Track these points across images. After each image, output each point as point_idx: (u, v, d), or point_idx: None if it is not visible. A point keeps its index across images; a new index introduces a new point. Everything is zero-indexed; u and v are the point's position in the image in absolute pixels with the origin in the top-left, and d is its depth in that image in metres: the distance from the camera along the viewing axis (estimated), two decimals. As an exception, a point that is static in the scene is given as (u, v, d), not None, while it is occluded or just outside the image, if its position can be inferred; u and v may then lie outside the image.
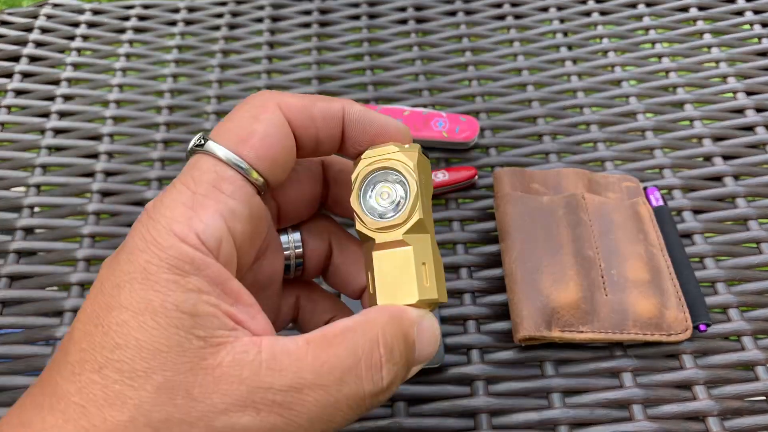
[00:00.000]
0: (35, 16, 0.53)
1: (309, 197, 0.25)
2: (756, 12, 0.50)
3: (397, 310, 0.20)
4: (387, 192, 0.22)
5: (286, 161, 0.21)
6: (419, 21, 0.52)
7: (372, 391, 0.19)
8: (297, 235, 0.25)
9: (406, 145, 0.23)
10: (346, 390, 0.18)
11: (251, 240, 0.20)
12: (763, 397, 0.33)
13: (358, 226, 0.22)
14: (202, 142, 0.20)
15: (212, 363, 0.17)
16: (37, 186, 0.43)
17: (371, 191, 0.22)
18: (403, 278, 0.21)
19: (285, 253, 0.24)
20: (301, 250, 0.25)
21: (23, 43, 0.51)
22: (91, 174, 0.43)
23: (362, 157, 0.22)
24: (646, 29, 0.50)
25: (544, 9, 0.52)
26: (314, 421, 0.18)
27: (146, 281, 0.17)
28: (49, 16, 0.53)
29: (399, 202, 0.22)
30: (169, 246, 0.18)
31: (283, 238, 0.25)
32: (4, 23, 0.52)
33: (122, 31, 0.52)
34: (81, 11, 0.53)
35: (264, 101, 0.20)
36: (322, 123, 0.21)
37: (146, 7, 0.54)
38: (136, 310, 0.17)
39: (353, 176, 0.22)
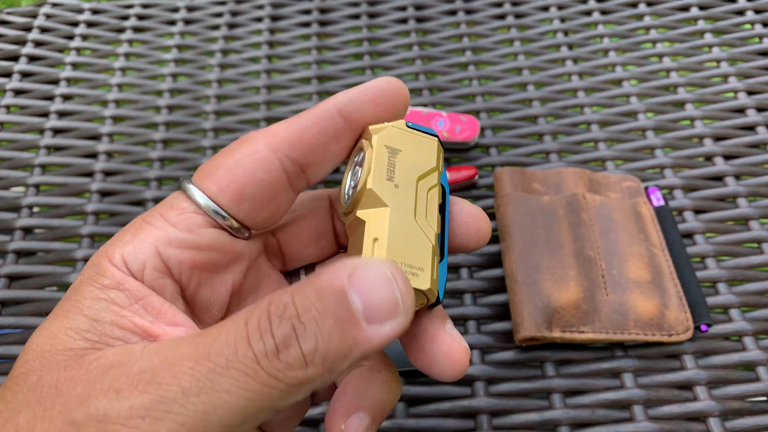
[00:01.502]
0: (34, 16, 0.53)
1: (314, 233, 0.22)
2: (757, 11, 0.50)
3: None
4: (358, 171, 0.19)
5: (259, 194, 0.19)
6: (419, 20, 0.52)
7: (263, 351, 0.15)
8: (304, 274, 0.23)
9: (409, 123, 0.20)
10: (227, 352, 0.15)
11: (206, 270, 0.19)
12: (765, 398, 0.33)
13: (341, 216, 0.20)
14: (182, 181, 0.19)
15: (90, 359, 0.16)
16: (36, 186, 0.43)
17: (350, 174, 0.20)
18: (358, 250, 0.18)
19: None
20: None
21: (22, 42, 0.51)
22: (90, 174, 0.43)
23: (362, 137, 0.20)
24: (647, 29, 0.50)
25: (545, 8, 0.52)
26: (189, 392, 0.14)
27: (73, 295, 0.18)
28: (48, 16, 0.52)
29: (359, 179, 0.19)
30: (97, 264, 0.18)
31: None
32: (4, 23, 0.52)
33: (121, 30, 0.52)
34: (80, 11, 0.53)
35: (246, 138, 0.19)
36: (313, 139, 0.20)
37: (145, 6, 0.53)
38: (53, 317, 0.17)
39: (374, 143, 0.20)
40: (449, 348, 0.18)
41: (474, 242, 0.21)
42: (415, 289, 0.18)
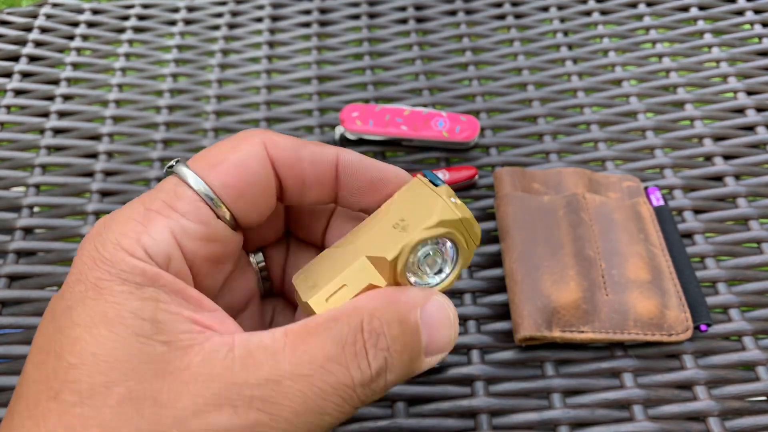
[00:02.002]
0: (35, 16, 0.53)
1: (275, 226, 0.23)
2: (756, 12, 0.50)
3: (393, 292, 0.18)
4: (436, 261, 0.20)
5: (257, 196, 0.19)
6: (419, 20, 0.52)
7: (360, 380, 0.17)
8: (260, 255, 0.24)
9: (453, 199, 0.20)
10: (331, 379, 0.16)
11: (212, 262, 0.19)
12: (764, 398, 0.33)
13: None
14: (175, 164, 0.19)
15: (179, 365, 0.16)
16: (37, 186, 0.43)
17: (421, 257, 0.20)
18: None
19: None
20: (263, 263, 0.24)
21: (23, 42, 0.51)
22: (90, 174, 0.43)
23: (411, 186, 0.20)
24: (647, 29, 0.50)
25: (545, 8, 0.52)
26: (300, 414, 0.16)
27: (99, 296, 0.16)
28: (48, 16, 0.53)
29: (441, 269, 0.20)
30: (119, 260, 0.17)
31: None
32: (4, 23, 0.52)
33: (122, 30, 0.52)
34: (80, 11, 0.53)
35: (249, 135, 0.19)
36: (310, 166, 0.20)
37: (146, 6, 0.54)
38: (89, 324, 0.16)
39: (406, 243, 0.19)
40: None
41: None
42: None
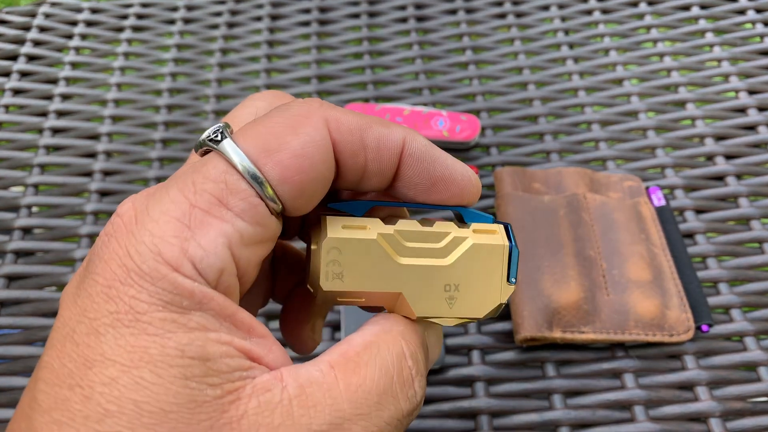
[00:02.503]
0: (33, 15, 0.52)
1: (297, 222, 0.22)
2: (758, 11, 0.50)
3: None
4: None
5: (315, 192, 0.16)
6: (419, 19, 0.52)
7: (409, 410, 0.17)
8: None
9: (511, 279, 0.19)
10: (386, 414, 0.16)
11: (256, 267, 0.16)
12: (766, 398, 0.33)
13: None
14: (219, 137, 0.15)
15: (235, 415, 0.14)
16: (35, 186, 0.42)
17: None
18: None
19: None
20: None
21: (21, 42, 0.50)
22: (89, 173, 0.43)
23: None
24: (648, 28, 0.50)
25: (546, 8, 0.52)
26: None
27: (136, 323, 0.14)
28: (47, 15, 0.52)
29: None
30: (160, 277, 0.14)
31: None
32: (2, 22, 0.52)
33: (121, 30, 0.52)
34: (79, 10, 0.53)
35: (309, 111, 0.16)
36: (374, 153, 0.17)
37: (145, 5, 0.53)
38: (127, 362, 0.13)
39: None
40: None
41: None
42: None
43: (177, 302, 0.14)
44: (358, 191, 0.19)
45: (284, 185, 0.15)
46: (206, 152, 0.17)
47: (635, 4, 0.51)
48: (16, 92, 0.48)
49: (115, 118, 0.46)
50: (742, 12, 0.50)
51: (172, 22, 0.52)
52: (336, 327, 0.36)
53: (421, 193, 0.18)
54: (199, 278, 0.14)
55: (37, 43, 0.51)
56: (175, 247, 0.14)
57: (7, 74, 0.49)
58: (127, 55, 0.50)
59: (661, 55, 0.48)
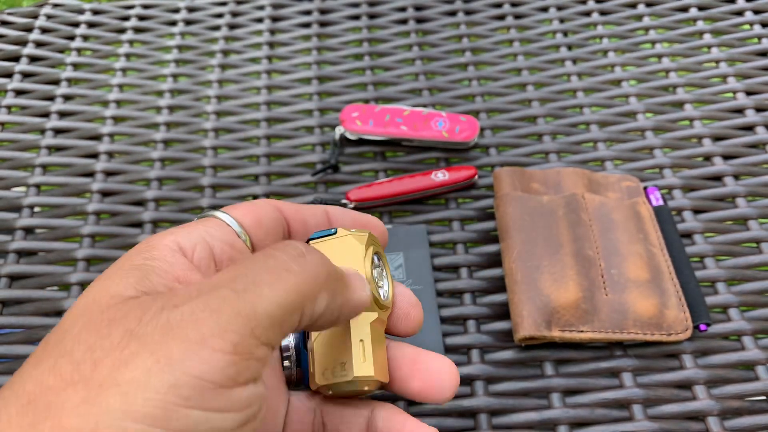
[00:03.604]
0: (35, 16, 0.53)
1: None
2: (756, 12, 0.50)
3: None
4: (382, 276, 0.24)
5: (270, 227, 0.23)
6: (419, 21, 0.52)
7: (289, 255, 0.19)
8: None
9: (352, 230, 0.24)
10: (260, 265, 0.18)
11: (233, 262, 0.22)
12: (764, 397, 0.33)
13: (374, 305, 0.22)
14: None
15: (139, 297, 0.19)
16: (37, 186, 0.43)
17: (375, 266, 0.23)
18: (382, 353, 0.23)
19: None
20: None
21: (23, 43, 0.51)
22: (91, 174, 0.43)
23: (355, 235, 0.23)
24: (646, 29, 0.50)
25: (544, 9, 0.52)
26: (240, 291, 0.17)
27: (117, 264, 0.20)
28: (49, 16, 0.53)
29: (386, 286, 0.24)
30: (146, 243, 0.21)
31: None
32: (5, 23, 0.52)
33: (122, 31, 0.52)
34: (81, 11, 0.53)
35: (260, 200, 0.24)
36: (308, 210, 0.24)
37: (146, 7, 0.54)
38: (95, 282, 0.19)
39: (365, 245, 0.23)
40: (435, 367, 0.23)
41: (403, 325, 0.24)
42: (380, 381, 0.22)
43: (150, 253, 0.20)
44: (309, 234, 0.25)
45: (245, 218, 0.23)
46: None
47: (634, 6, 0.52)
48: (19, 93, 0.48)
49: (117, 119, 0.46)
50: (739, 13, 0.50)
51: (173, 23, 0.53)
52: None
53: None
54: (175, 245, 0.20)
55: (39, 44, 0.51)
56: (167, 234, 0.21)
57: (9, 75, 0.49)
58: (128, 56, 0.50)
59: (660, 56, 0.48)
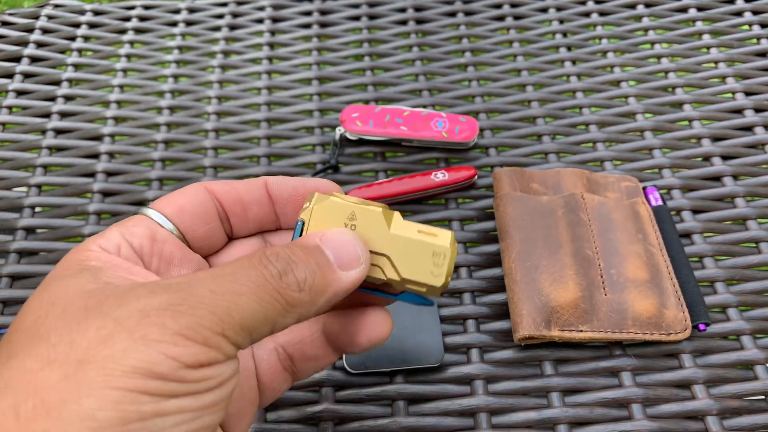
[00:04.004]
0: (36, 17, 0.53)
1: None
2: (755, 13, 0.50)
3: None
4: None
5: (198, 213, 0.24)
6: (419, 22, 0.52)
7: (269, 273, 0.19)
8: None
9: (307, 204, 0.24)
10: (242, 274, 0.19)
11: (160, 257, 0.23)
12: (762, 397, 0.33)
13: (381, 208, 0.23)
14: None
15: (111, 286, 0.20)
16: (38, 186, 0.43)
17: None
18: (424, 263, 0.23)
19: None
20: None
21: (24, 43, 0.51)
22: (92, 174, 0.43)
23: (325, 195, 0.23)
24: (646, 30, 0.50)
25: (544, 10, 0.52)
26: (217, 293, 0.18)
27: (52, 278, 0.20)
28: (50, 17, 0.53)
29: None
30: (71, 257, 0.21)
31: None
32: (6, 24, 0.52)
33: (123, 31, 0.52)
34: (82, 12, 0.53)
35: (191, 185, 0.25)
36: (243, 186, 0.25)
37: (147, 7, 0.54)
38: (40, 290, 0.20)
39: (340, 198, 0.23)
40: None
41: (365, 340, 0.25)
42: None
43: (85, 264, 0.20)
44: (251, 217, 0.25)
45: (167, 208, 0.23)
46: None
47: (633, 6, 0.52)
48: (20, 93, 0.48)
49: (118, 119, 0.47)
50: (738, 14, 0.50)
51: (174, 24, 0.53)
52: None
53: (293, 206, 0.25)
54: (101, 251, 0.21)
55: (40, 45, 0.51)
56: (86, 244, 0.21)
57: (10, 76, 0.49)
58: (129, 56, 0.50)
59: (659, 57, 0.48)
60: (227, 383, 0.19)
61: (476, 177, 0.41)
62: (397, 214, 0.23)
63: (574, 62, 0.48)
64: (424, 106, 0.46)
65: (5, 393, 0.16)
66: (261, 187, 0.25)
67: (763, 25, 0.49)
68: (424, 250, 0.23)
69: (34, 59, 0.50)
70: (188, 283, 0.19)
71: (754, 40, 0.49)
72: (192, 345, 0.17)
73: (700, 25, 0.50)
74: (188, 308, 0.18)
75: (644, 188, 0.40)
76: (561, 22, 0.51)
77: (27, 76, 0.49)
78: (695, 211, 0.40)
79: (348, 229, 0.23)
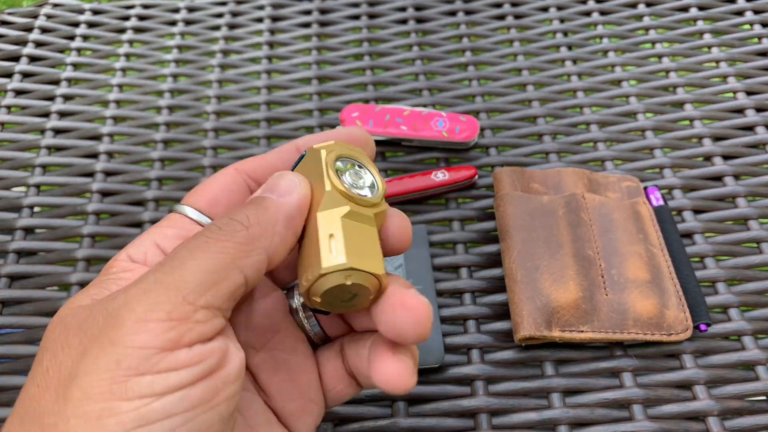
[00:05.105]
0: (35, 16, 0.53)
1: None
2: (756, 12, 0.50)
3: None
4: (362, 177, 0.22)
5: (230, 196, 0.24)
6: (419, 21, 0.52)
7: (215, 228, 0.20)
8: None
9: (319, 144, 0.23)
10: (196, 240, 0.19)
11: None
12: (764, 397, 0.33)
13: (335, 183, 0.21)
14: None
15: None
16: (37, 186, 0.43)
17: (344, 169, 0.22)
18: (367, 248, 0.21)
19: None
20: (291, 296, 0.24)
21: (23, 43, 0.51)
22: (91, 174, 0.43)
23: (322, 147, 0.22)
24: (646, 29, 0.50)
25: (544, 9, 0.52)
26: (181, 260, 0.19)
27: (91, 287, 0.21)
28: (49, 16, 0.53)
29: (372, 185, 0.22)
30: (106, 266, 0.22)
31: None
32: (4, 23, 0.52)
33: (122, 30, 0.52)
34: (81, 11, 0.53)
35: (221, 171, 0.24)
36: (274, 156, 0.24)
37: (146, 6, 0.54)
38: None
39: (320, 146, 0.22)
40: (410, 303, 0.20)
41: (399, 243, 0.23)
42: (367, 273, 0.20)
43: (109, 273, 0.21)
44: None
45: (200, 200, 0.23)
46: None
47: (634, 6, 0.52)
48: (18, 93, 0.48)
49: (117, 119, 0.46)
50: (740, 13, 0.50)
51: (173, 23, 0.53)
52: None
53: None
54: (128, 260, 0.22)
55: (38, 44, 0.51)
56: (122, 251, 0.22)
57: (9, 75, 0.49)
58: (128, 56, 0.50)
59: (660, 56, 0.48)
60: (217, 372, 0.18)
61: (476, 177, 0.41)
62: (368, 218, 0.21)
63: (574, 62, 0.48)
64: (425, 106, 0.46)
65: (19, 422, 0.17)
66: (292, 151, 0.24)
67: (764, 25, 0.49)
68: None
69: (33, 59, 0.50)
70: (144, 275, 0.19)
71: (756, 40, 0.49)
72: (155, 325, 0.17)
73: (701, 25, 0.50)
74: (143, 293, 0.18)
75: (645, 188, 0.40)
76: (562, 21, 0.51)
77: (26, 75, 0.49)
78: (696, 211, 0.40)
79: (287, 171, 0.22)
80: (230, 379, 0.18)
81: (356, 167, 0.22)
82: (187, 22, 0.53)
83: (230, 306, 0.19)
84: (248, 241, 0.19)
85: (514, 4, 0.52)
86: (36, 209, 0.42)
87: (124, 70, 0.49)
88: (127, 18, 0.53)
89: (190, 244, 0.19)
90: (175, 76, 0.49)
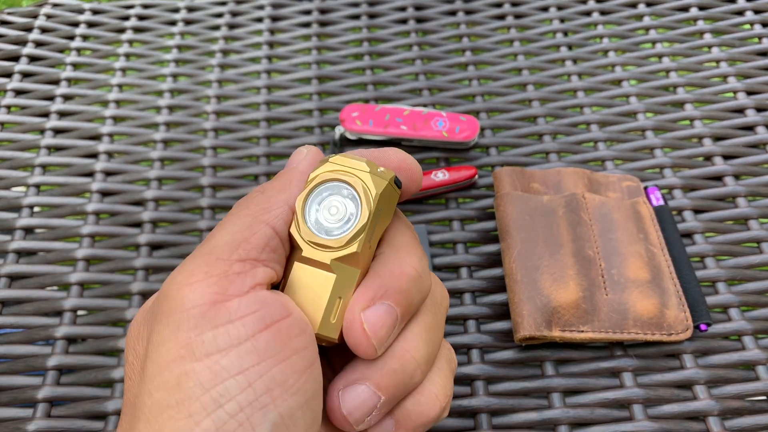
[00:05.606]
0: (35, 16, 0.53)
1: None
2: (756, 12, 0.50)
3: None
4: (337, 207, 0.20)
5: (268, 243, 0.23)
6: (419, 21, 0.52)
7: None
8: None
9: (380, 169, 0.21)
10: None
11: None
12: (764, 397, 0.33)
13: (293, 229, 0.20)
14: None
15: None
16: (37, 186, 0.43)
17: (321, 200, 0.21)
18: (314, 302, 0.20)
19: None
20: None
21: (23, 42, 0.51)
22: (90, 174, 0.43)
23: (329, 160, 0.21)
24: (647, 29, 0.50)
25: (545, 8, 0.52)
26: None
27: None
28: (48, 16, 0.53)
29: (348, 219, 0.20)
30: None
31: None
32: (4, 23, 0.52)
33: (122, 30, 0.52)
34: (81, 11, 0.53)
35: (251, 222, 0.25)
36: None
37: (146, 6, 0.54)
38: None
39: (311, 175, 0.21)
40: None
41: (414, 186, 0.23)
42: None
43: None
44: None
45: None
46: None
47: (634, 5, 0.52)
48: (18, 93, 0.48)
49: (117, 119, 0.46)
50: (740, 13, 0.50)
51: (173, 23, 0.53)
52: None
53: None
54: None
55: (38, 44, 0.51)
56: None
57: (8, 75, 0.49)
58: (128, 55, 0.50)
59: (660, 56, 0.48)
60: (278, 323, 0.18)
61: (477, 177, 0.41)
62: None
63: (575, 61, 0.48)
64: (425, 106, 0.46)
65: (122, 415, 0.19)
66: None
67: (764, 25, 0.49)
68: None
69: (32, 58, 0.50)
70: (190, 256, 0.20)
71: (756, 40, 0.48)
72: (198, 282, 0.18)
73: (701, 25, 0.50)
74: (185, 265, 0.19)
75: (645, 188, 0.40)
76: (562, 21, 0.51)
77: (25, 75, 0.49)
78: (696, 211, 0.40)
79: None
80: (294, 332, 0.18)
81: (341, 193, 0.20)
82: (187, 22, 0.53)
83: (269, 257, 0.20)
84: (266, 200, 0.21)
85: (514, 4, 0.52)
86: (36, 209, 0.42)
87: (123, 69, 0.49)
88: (126, 18, 0.53)
89: (217, 225, 0.21)
90: (174, 76, 0.49)
